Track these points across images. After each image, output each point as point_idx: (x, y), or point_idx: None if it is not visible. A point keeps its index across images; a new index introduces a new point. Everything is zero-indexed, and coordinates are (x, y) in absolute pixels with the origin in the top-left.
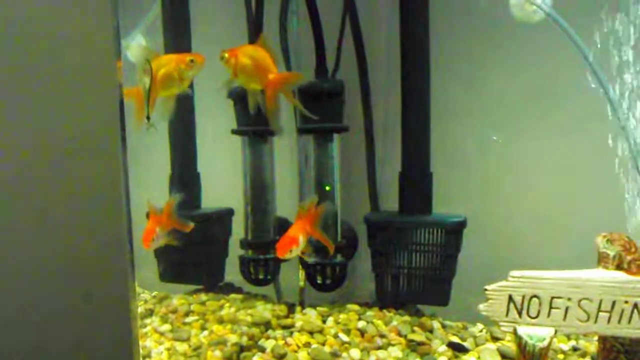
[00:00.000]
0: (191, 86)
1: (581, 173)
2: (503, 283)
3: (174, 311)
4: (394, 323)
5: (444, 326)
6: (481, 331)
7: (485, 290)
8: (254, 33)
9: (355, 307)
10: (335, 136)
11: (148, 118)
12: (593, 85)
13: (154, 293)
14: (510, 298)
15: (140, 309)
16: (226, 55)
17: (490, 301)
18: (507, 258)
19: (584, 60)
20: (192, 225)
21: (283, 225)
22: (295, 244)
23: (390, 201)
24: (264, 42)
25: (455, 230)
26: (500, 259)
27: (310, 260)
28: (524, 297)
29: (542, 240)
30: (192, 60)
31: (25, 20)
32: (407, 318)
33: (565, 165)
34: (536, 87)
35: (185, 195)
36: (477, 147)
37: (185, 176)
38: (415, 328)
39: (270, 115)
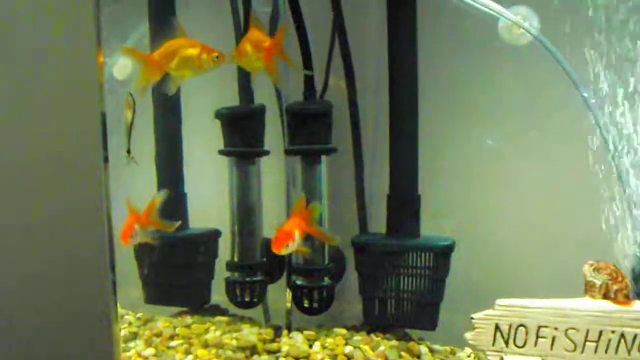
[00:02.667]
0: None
1: (570, 192)
2: (490, 312)
3: (159, 334)
4: (382, 348)
5: (431, 351)
6: (469, 356)
7: (472, 318)
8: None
9: (343, 330)
10: (323, 158)
11: (128, 152)
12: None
13: (139, 314)
14: (497, 327)
15: (124, 332)
16: (234, 52)
17: (476, 330)
18: (495, 277)
19: (570, 81)
20: (175, 225)
21: (270, 247)
22: (291, 239)
23: (380, 223)
24: (254, 22)
25: (443, 254)
26: (488, 278)
27: (309, 254)
28: (510, 325)
29: (531, 259)
30: (217, 57)
31: (9, 39)
32: (394, 342)
33: (555, 184)
34: (523, 107)
35: (172, 216)
36: (465, 167)
37: (171, 197)
38: (403, 353)
39: (275, 80)
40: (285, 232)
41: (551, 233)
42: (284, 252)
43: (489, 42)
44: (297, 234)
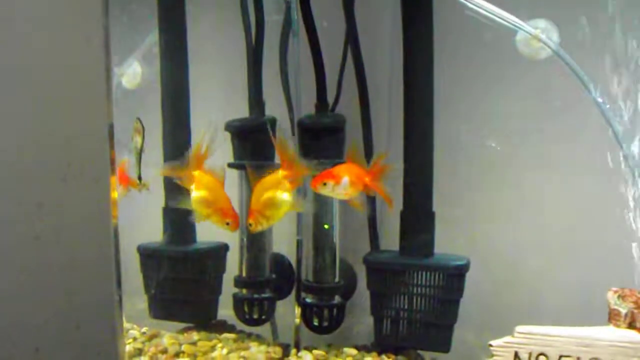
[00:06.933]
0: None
1: (589, 210)
2: (509, 339)
3: (164, 351)
4: None
5: None
6: None
7: (490, 346)
8: (255, 62)
9: (353, 351)
10: None
11: (139, 178)
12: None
13: (144, 329)
14: (517, 355)
15: (129, 348)
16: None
17: (495, 357)
18: (509, 293)
19: (590, 96)
20: (145, 185)
21: (279, 263)
22: (332, 179)
23: (394, 239)
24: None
25: (457, 274)
26: (502, 294)
27: (362, 212)
28: (530, 354)
29: (548, 274)
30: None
31: (18, 50)
32: None
33: (572, 201)
34: (541, 123)
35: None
36: (480, 183)
37: (180, 210)
38: None
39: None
40: (330, 172)
41: (570, 251)
42: (320, 190)
43: (509, 56)
44: (346, 179)
